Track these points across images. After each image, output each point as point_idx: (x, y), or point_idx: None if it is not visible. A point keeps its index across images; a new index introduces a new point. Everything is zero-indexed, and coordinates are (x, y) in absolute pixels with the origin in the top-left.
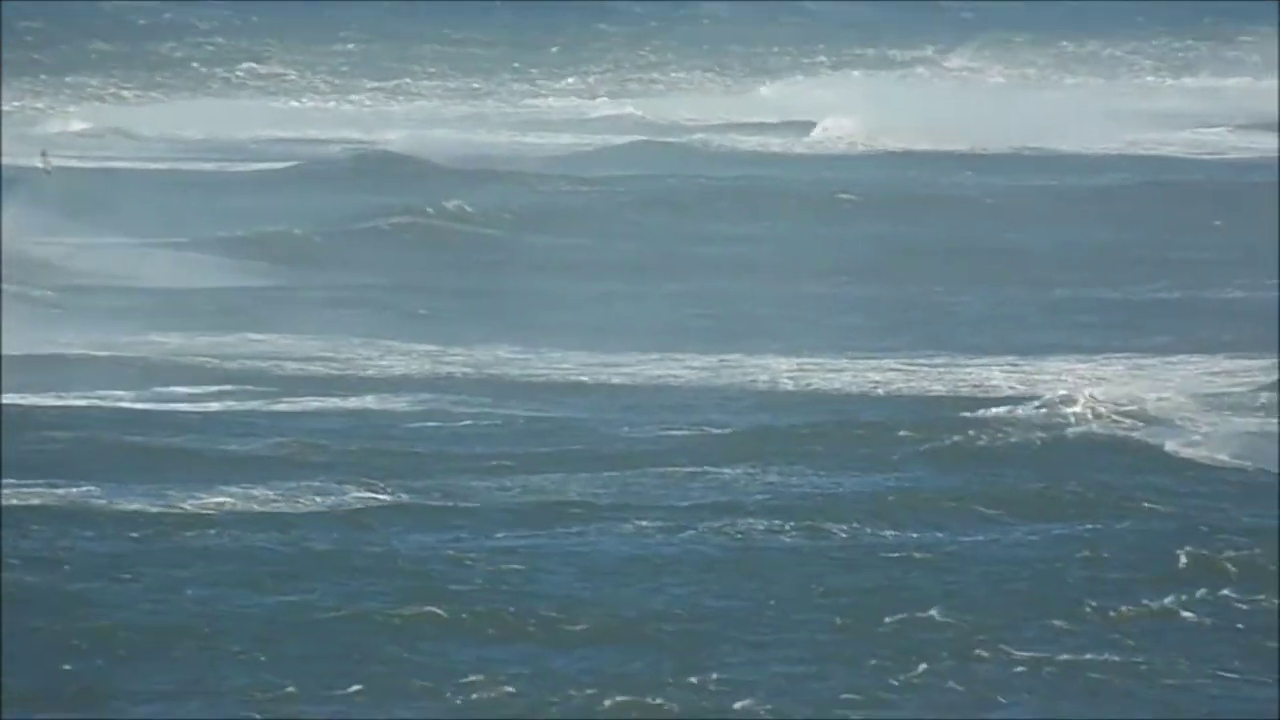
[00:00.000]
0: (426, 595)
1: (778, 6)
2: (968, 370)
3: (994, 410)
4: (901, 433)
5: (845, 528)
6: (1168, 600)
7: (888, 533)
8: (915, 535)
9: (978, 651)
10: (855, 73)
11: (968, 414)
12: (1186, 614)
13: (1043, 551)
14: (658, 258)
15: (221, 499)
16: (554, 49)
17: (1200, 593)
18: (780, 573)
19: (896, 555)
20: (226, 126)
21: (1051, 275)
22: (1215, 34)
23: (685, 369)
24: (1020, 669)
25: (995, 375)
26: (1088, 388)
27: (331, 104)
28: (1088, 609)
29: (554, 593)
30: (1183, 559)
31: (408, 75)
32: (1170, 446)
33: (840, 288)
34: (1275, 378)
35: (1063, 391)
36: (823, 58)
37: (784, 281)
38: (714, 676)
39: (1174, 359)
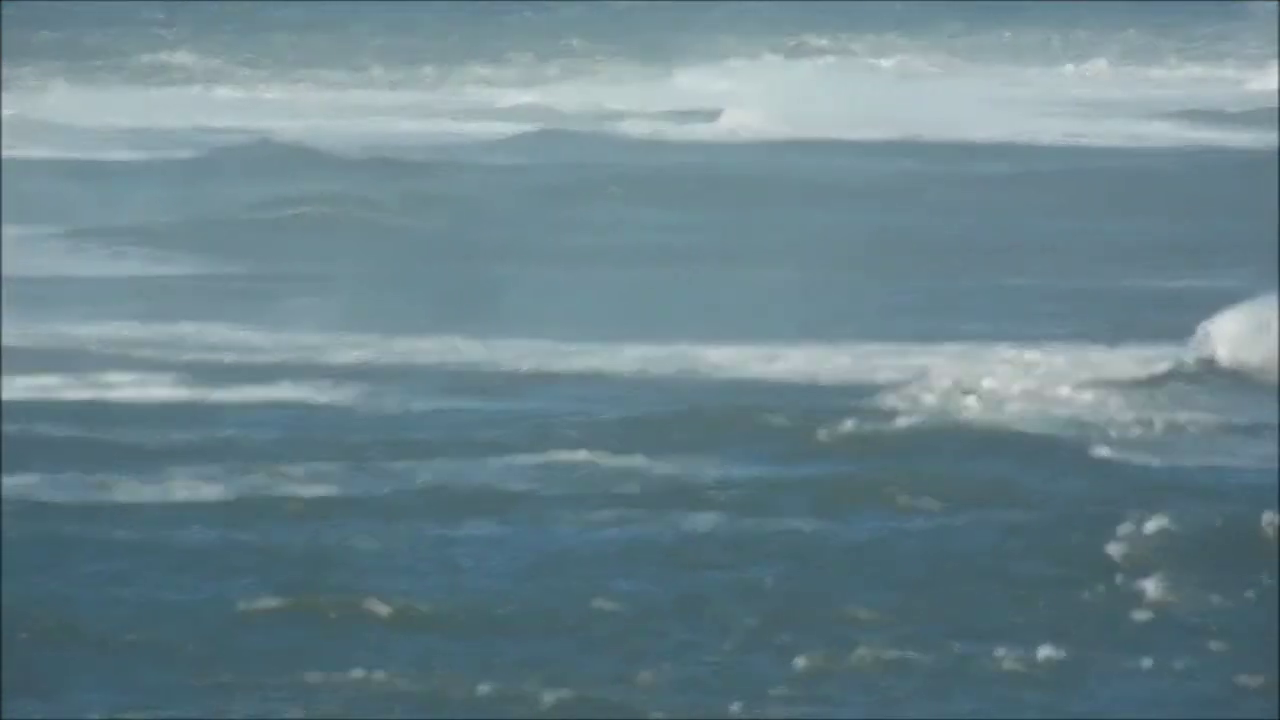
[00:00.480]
0: (322, 586)
1: None
2: (867, 358)
3: (892, 398)
4: (799, 421)
5: (756, 519)
6: (1085, 593)
7: (799, 522)
8: (826, 524)
9: (909, 644)
10: (775, 60)
11: (866, 402)
12: (1109, 606)
13: (961, 542)
14: (555, 244)
15: (157, 490)
16: (476, 39)
17: (1119, 581)
18: (692, 564)
19: (815, 545)
20: (152, 116)
21: (956, 263)
22: (1169, 27)
23: (600, 359)
24: (949, 662)
25: (895, 362)
26: (988, 377)
27: (253, 94)
28: (1017, 599)
29: (482, 585)
30: (1107, 549)
31: (327, 65)
32: (1070, 436)
33: (742, 274)
34: (1171, 367)
35: (963, 380)
36: (745, 47)
37: (679, 269)
38: (640, 670)
39: (1079, 347)
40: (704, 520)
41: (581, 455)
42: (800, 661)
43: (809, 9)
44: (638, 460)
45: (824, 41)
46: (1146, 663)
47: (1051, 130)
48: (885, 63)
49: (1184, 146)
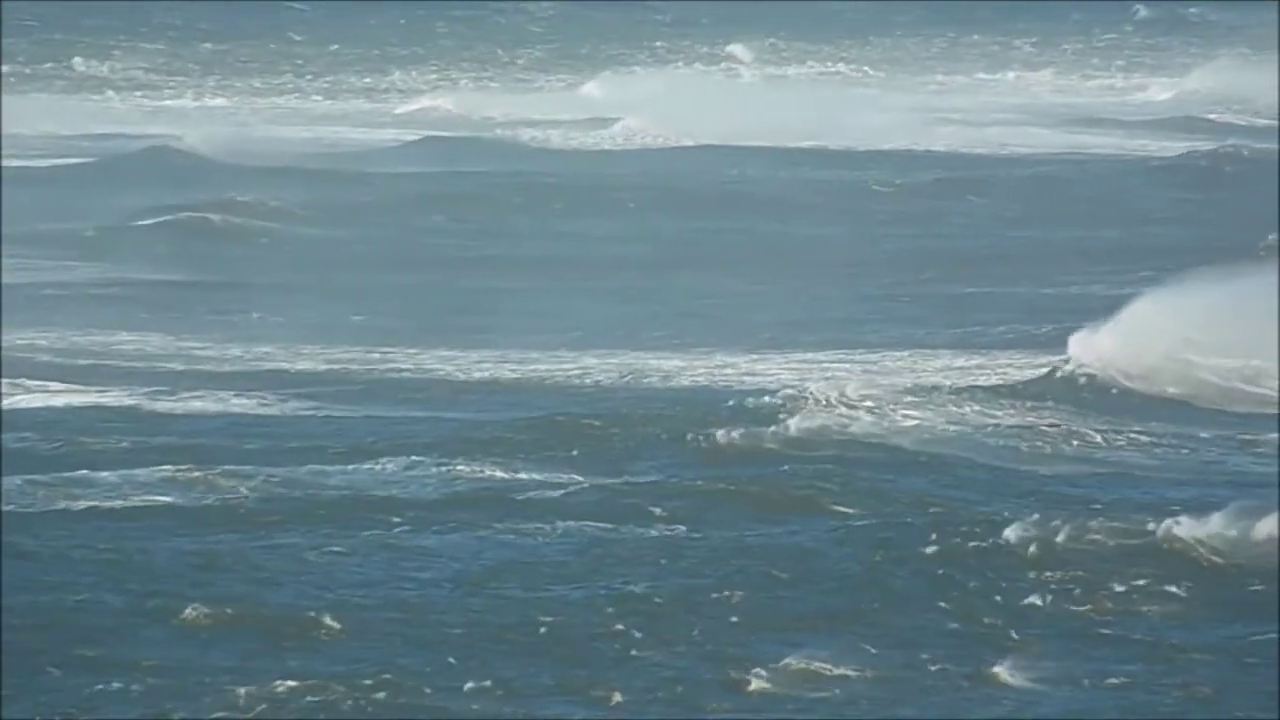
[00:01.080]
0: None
1: (615, 4)
2: (735, 365)
3: (779, 405)
4: (657, 428)
5: (607, 526)
6: (922, 598)
7: (659, 528)
8: (680, 530)
9: (786, 649)
10: (680, 69)
11: (750, 410)
12: (942, 604)
13: (835, 550)
14: (436, 253)
15: (74, 499)
16: (384, 46)
17: (956, 578)
18: (551, 573)
19: (675, 550)
20: (54, 123)
21: (848, 271)
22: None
23: (472, 364)
24: (812, 669)
25: (761, 370)
26: (845, 384)
27: (143, 100)
28: (892, 604)
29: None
30: (931, 550)
31: (220, 73)
32: (912, 442)
33: (621, 281)
34: (1035, 374)
35: (827, 388)
36: (673, 53)
37: (558, 277)
38: (490, 681)
39: (939, 353)
40: (565, 528)
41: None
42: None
43: (754, 11)
44: (472, 468)
45: (752, 48)
46: (1044, 668)
47: (954, 138)
48: (801, 70)
49: (1081, 153)
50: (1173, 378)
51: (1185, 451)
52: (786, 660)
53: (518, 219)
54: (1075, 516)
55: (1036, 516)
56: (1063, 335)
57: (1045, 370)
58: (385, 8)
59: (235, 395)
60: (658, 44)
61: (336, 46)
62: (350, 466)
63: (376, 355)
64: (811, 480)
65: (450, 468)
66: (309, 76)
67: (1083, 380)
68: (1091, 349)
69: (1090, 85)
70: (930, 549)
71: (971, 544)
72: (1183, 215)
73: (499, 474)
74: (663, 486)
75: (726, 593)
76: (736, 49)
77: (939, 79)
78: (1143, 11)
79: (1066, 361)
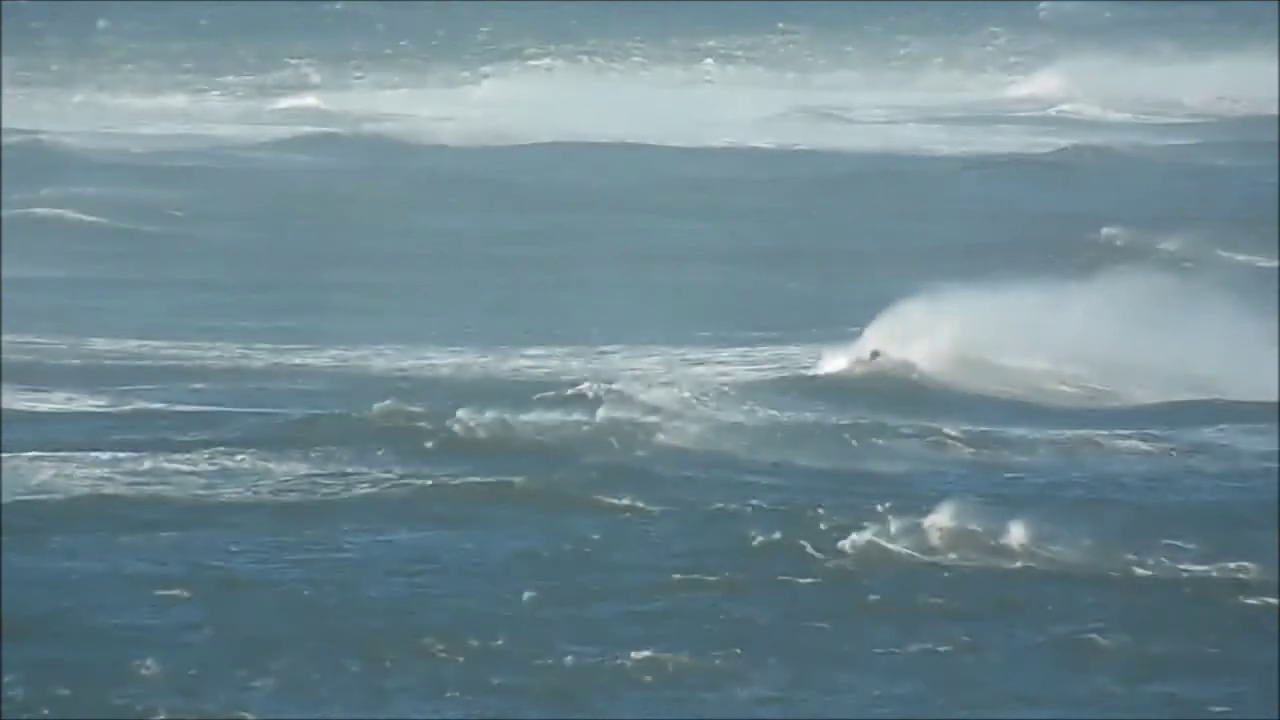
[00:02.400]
0: None
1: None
2: (533, 360)
3: (551, 398)
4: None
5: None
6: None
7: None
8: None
9: (571, 648)
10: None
11: (533, 404)
12: (750, 602)
13: (625, 548)
14: (276, 248)
15: None
16: (263, 44)
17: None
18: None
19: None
20: None
21: (654, 268)
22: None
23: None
24: (615, 665)
25: (557, 365)
26: (649, 379)
27: (15, 96)
28: (679, 601)
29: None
30: (752, 542)
31: (95, 69)
32: (739, 439)
33: (443, 277)
34: (844, 368)
35: (630, 384)
36: (545, 50)
37: (385, 270)
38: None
39: (756, 349)
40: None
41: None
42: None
43: (649, 9)
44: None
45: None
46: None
47: (828, 135)
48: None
49: (942, 151)
50: (973, 374)
51: (949, 448)
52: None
53: (354, 214)
54: (862, 507)
55: (784, 509)
56: (865, 330)
57: (844, 366)
58: (266, 7)
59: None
60: (547, 43)
61: (205, 43)
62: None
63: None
64: (590, 475)
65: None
66: (200, 73)
67: (882, 376)
68: (895, 344)
69: (973, 82)
70: (694, 544)
71: (735, 541)
72: (1027, 210)
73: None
74: (441, 486)
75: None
76: (629, 45)
77: (824, 77)
78: (1044, 12)
79: (870, 358)
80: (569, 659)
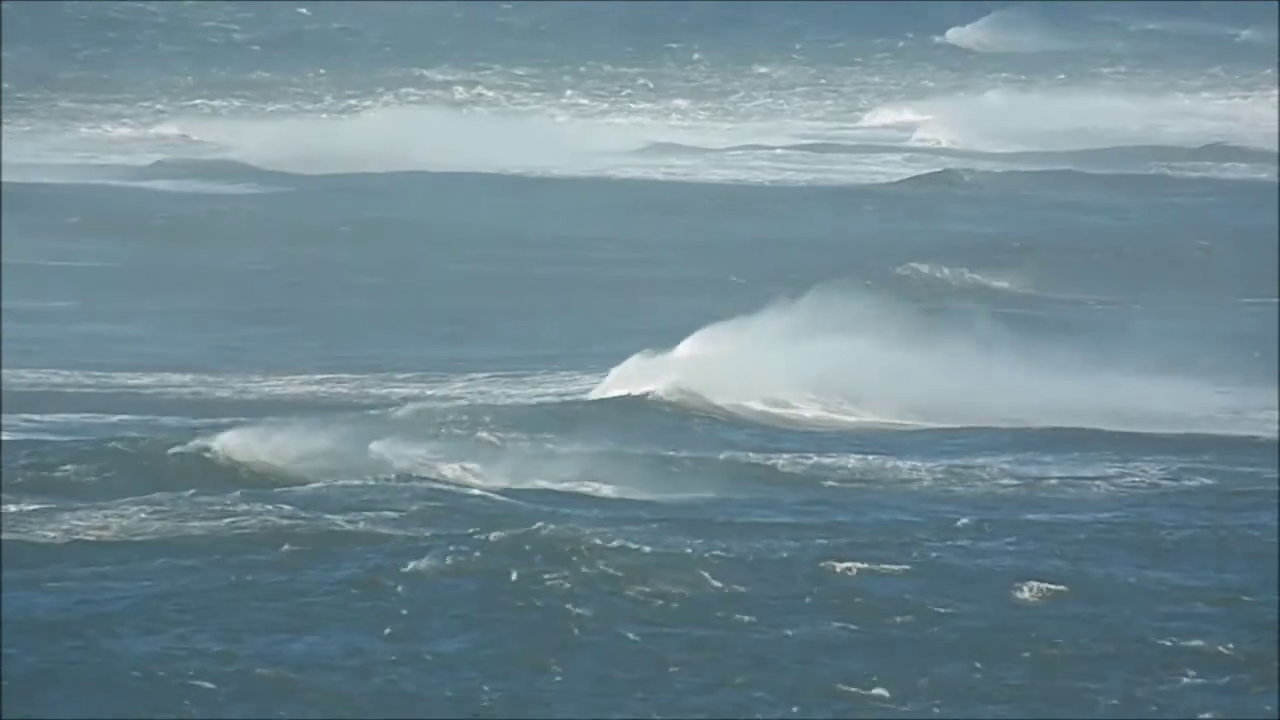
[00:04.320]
0: None
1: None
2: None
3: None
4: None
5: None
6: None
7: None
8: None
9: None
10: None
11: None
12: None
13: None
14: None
15: None
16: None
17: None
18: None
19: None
20: None
21: (401, 295)
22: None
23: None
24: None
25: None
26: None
27: None
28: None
29: None
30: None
31: None
32: (470, 467)
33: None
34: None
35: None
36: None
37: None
38: None
39: (503, 380)
40: None
41: None
42: None
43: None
44: None
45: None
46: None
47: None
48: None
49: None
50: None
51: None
52: None
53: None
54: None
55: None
56: (622, 360)
57: (591, 395)
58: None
59: None
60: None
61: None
62: None
63: None
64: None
65: None
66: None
67: (623, 403)
68: (645, 374)
69: (839, 111)
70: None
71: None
72: (849, 240)
73: None
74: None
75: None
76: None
77: (681, 105)
78: (904, 42)
79: (609, 385)
80: None
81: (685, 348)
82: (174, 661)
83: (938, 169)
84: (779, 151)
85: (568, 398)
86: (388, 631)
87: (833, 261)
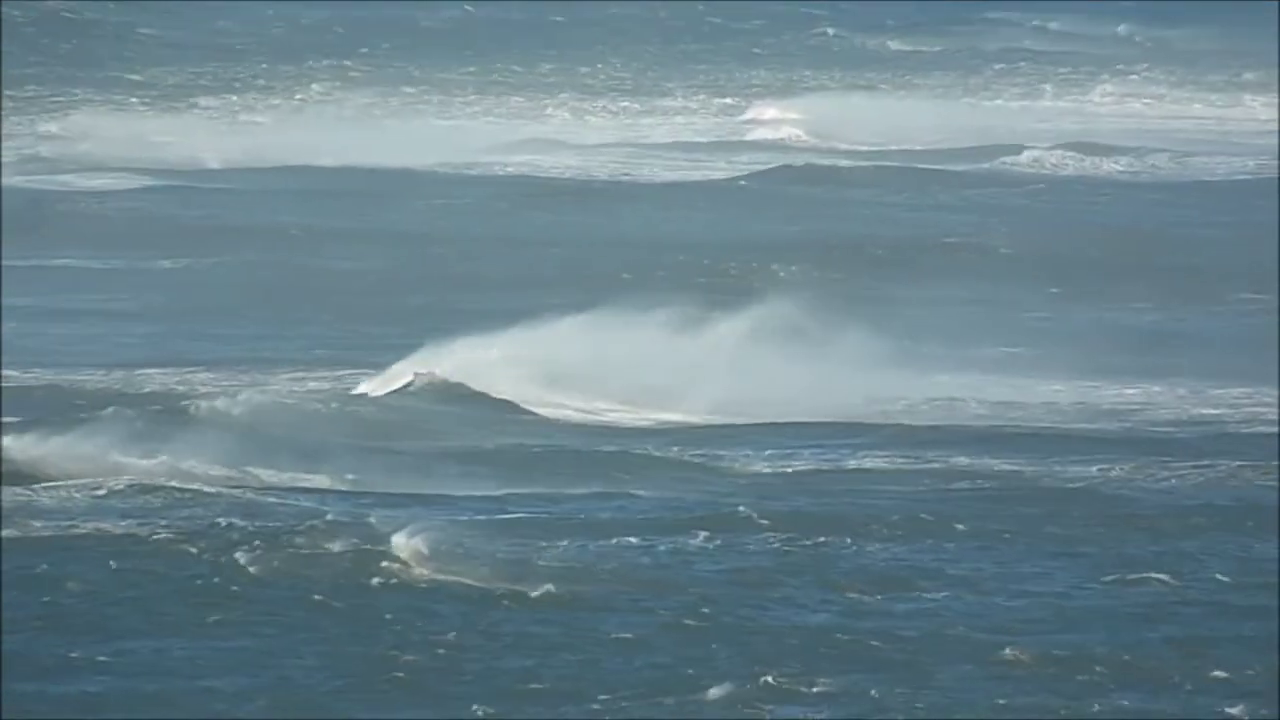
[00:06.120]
0: None
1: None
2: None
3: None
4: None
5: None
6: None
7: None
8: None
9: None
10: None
11: None
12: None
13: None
14: None
15: None
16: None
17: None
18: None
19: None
20: None
21: (248, 291)
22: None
23: None
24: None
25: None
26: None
27: None
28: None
29: None
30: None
31: None
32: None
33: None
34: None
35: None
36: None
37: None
38: None
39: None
40: None
41: None
42: None
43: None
44: None
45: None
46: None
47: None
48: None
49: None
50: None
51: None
52: None
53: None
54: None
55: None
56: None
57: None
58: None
59: None
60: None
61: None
62: None
63: None
64: None
65: None
66: None
67: (438, 392)
68: (430, 366)
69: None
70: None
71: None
72: (678, 237)
73: None
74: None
75: None
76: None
77: (571, 103)
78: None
79: (423, 375)
80: None
81: (464, 345)
82: None
83: (797, 164)
84: (651, 149)
85: (346, 393)
86: None
87: (648, 259)
